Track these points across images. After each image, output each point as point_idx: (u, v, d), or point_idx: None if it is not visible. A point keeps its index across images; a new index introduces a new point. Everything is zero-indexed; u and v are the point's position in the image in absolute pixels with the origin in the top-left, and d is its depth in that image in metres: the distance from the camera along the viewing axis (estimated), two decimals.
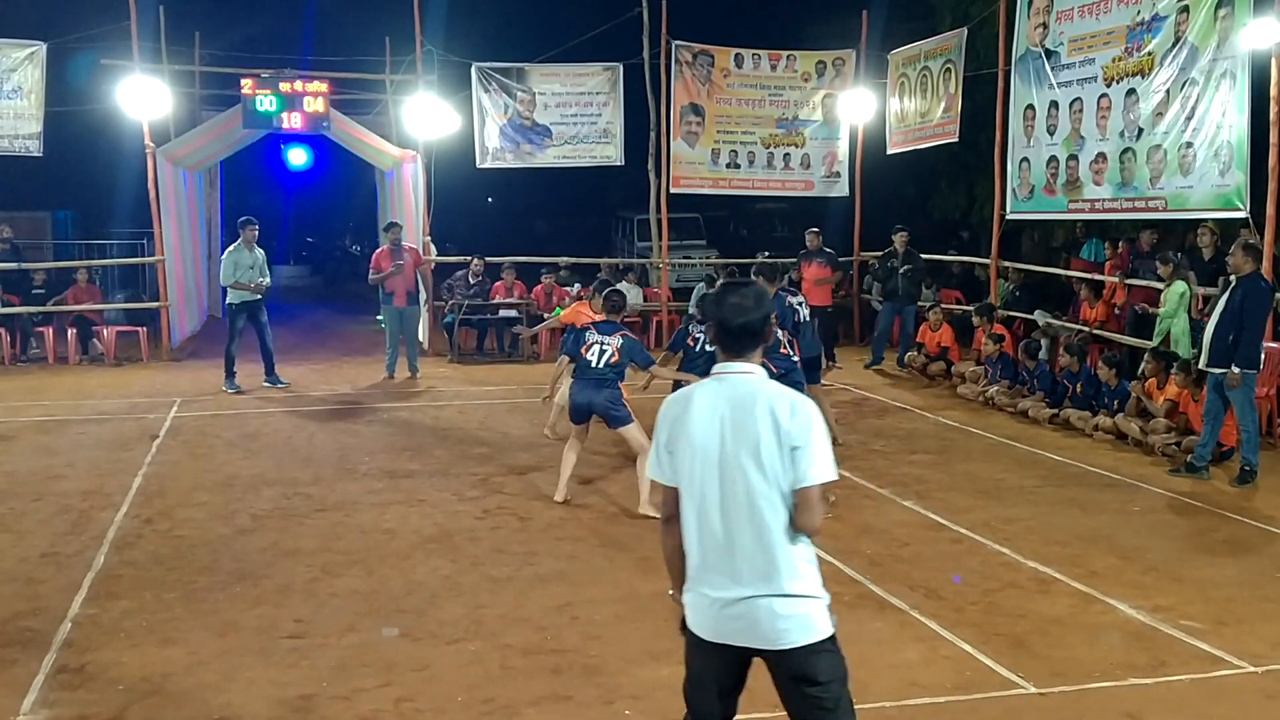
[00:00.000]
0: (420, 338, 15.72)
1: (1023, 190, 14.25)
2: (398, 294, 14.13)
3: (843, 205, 19.34)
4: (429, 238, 16.85)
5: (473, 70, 17.33)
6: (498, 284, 16.55)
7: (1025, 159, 14.11)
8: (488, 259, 16.62)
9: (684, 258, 21.36)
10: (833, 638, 3.34)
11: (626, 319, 17.46)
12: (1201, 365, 9.08)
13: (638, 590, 6.33)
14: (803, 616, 3.30)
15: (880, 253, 16.38)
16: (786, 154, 18.34)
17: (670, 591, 3.60)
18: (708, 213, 24.45)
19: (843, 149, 18.47)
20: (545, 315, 16.54)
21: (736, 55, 17.99)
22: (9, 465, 9.41)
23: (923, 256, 15.82)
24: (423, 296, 16.20)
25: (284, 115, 16.28)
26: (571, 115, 17.69)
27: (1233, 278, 8.87)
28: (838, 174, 18.54)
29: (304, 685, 5.07)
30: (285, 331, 17.24)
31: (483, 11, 25.10)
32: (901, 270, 15.08)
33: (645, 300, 18.21)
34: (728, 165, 18.18)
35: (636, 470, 8.01)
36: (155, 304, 16.55)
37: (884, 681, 5.13)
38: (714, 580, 3.34)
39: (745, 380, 3.34)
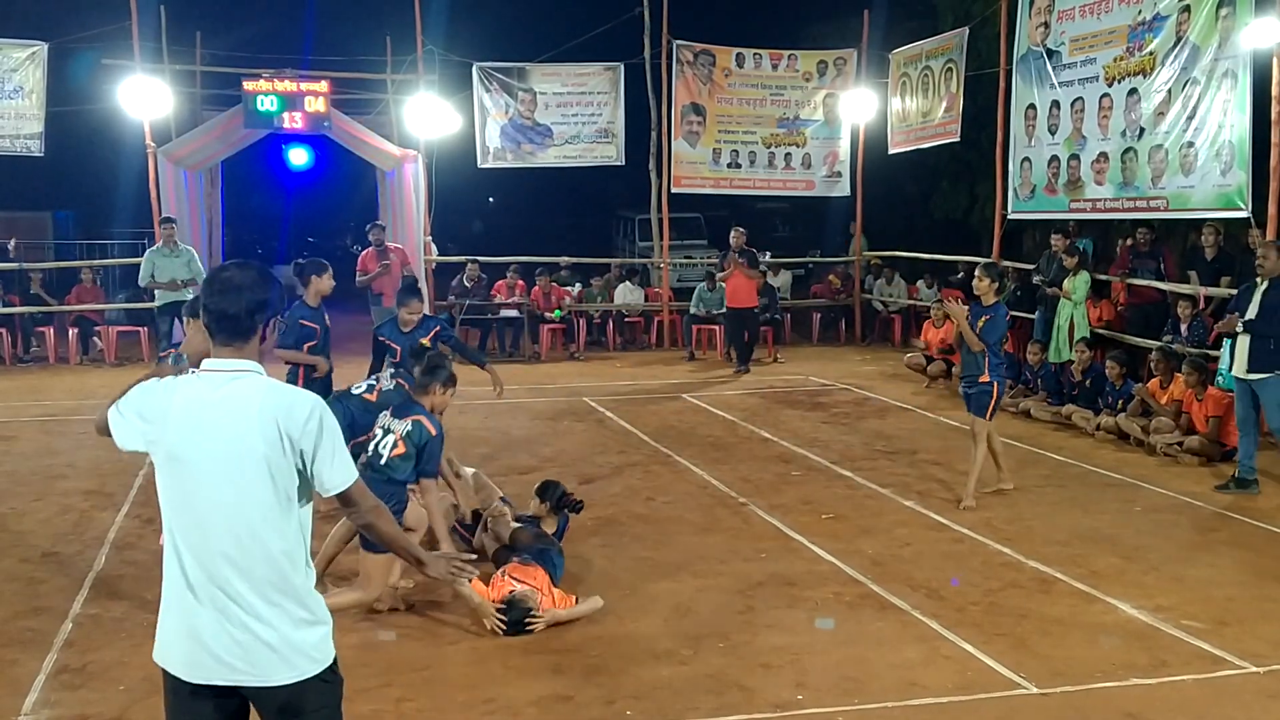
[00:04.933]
0: None
1: (1024, 190, 14.24)
2: (386, 294, 14.13)
3: (844, 205, 19.35)
4: (429, 238, 16.84)
5: (474, 70, 17.33)
6: (499, 283, 16.56)
7: (1027, 158, 14.10)
8: (488, 260, 16.62)
9: (685, 258, 21.35)
10: None
11: (629, 318, 17.60)
12: (1237, 373, 8.58)
13: (639, 590, 6.33)
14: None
15: (888, 254, 16.34)
16: (788, 153, 18.33)
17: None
18: (709, 212, 24.45)
19: (844, 148, 18.46)
20: (546, 315, 16.58)
21: (738, 55, 17.99)
22: (10, 465, 9.41)
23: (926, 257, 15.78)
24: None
25: (285, 115, 16.28)
26: (572, 115, 17.69)
27: (1258, 279, 8.57)
28: (839, 173, 18.53)
29: None
30: None
31: (484, 11, 25.11)
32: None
33: (646, 301, 18.21)
34: (729, 165, 18.18)
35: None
36: (156, 304, 16.53)
37: (885, 681, 5.13)
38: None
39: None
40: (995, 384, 8.09)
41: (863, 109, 18.00)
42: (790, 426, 11.17)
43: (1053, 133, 13.52)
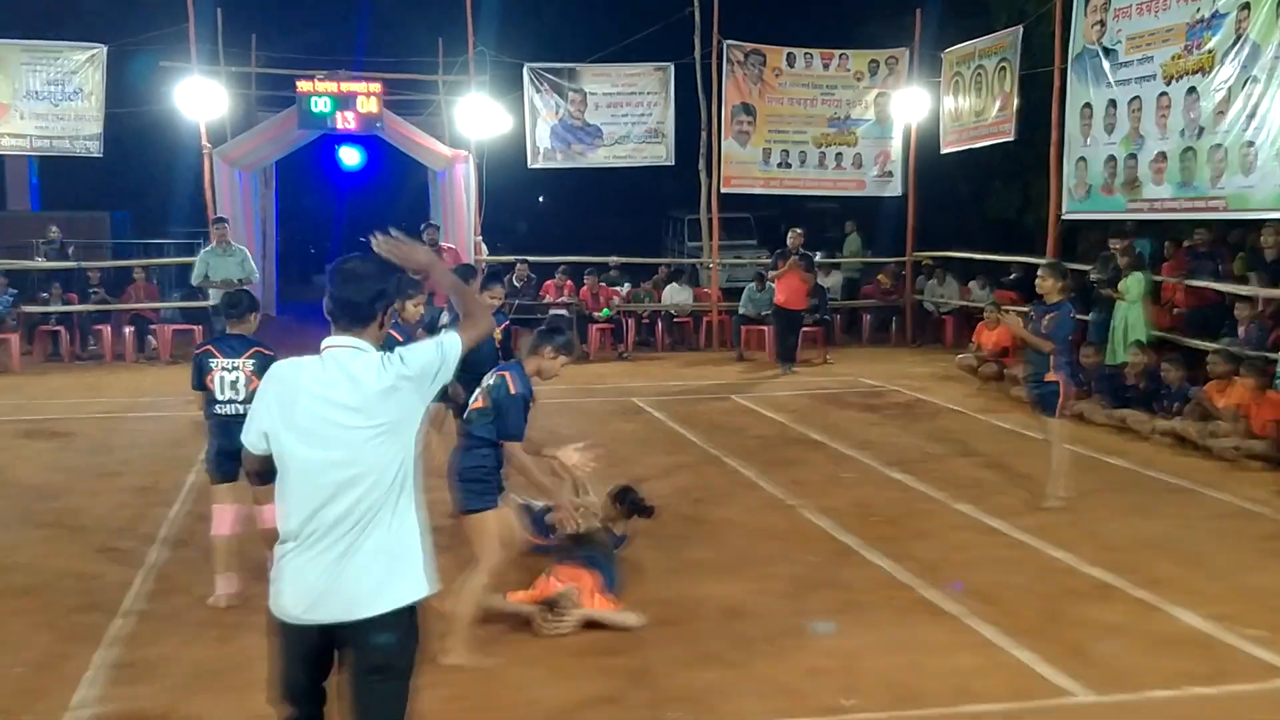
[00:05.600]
0: None
1: (1079, 190, 14.03)
2: (437, 293, 14.18)
3: (895, 205, 19.19)
4: (480, 237, 16.91)
5: (524, 71, 17.39)
6: (548, 283, 16.59)
7: (1082, 158, 13.89)
8: (537, 259, 16.66)
9: (735, 257, 21.28)
10: None
11: (678, 318, 17.57)
12: None
13: (687, 592, 6.29)
14: None
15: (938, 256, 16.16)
16: (838, 153, 18.23)
17: None
18: (758, 212, 24.34)
19: (895, 148, 18.34)
20: (594, 314, 16.59)
21: (789, 54, 17.92)
22: (68, 461, 9.56)
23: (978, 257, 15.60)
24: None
25: (338, 116, 16.46)
26: (622, 115, 17.71)
27: None
28: (890, 173, 18.40)
29: None
30: None
31: (535, 12, 25.19)
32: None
33: (696, 300, 18.17)
34: (779, 165, 18.11)
35: None
36: (210, 303, 16.75)
37: (937, 688, 5.05)
38: None
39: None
40: (1062, 382, 7.98)
41: (915, 108, 17.86)
42: (841, 428, 11.08)
43: (1109, 132, 13.31)
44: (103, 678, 5.13)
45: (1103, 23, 13.32)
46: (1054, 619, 5.90)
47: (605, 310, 16.63)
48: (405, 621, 3.24)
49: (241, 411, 5.73)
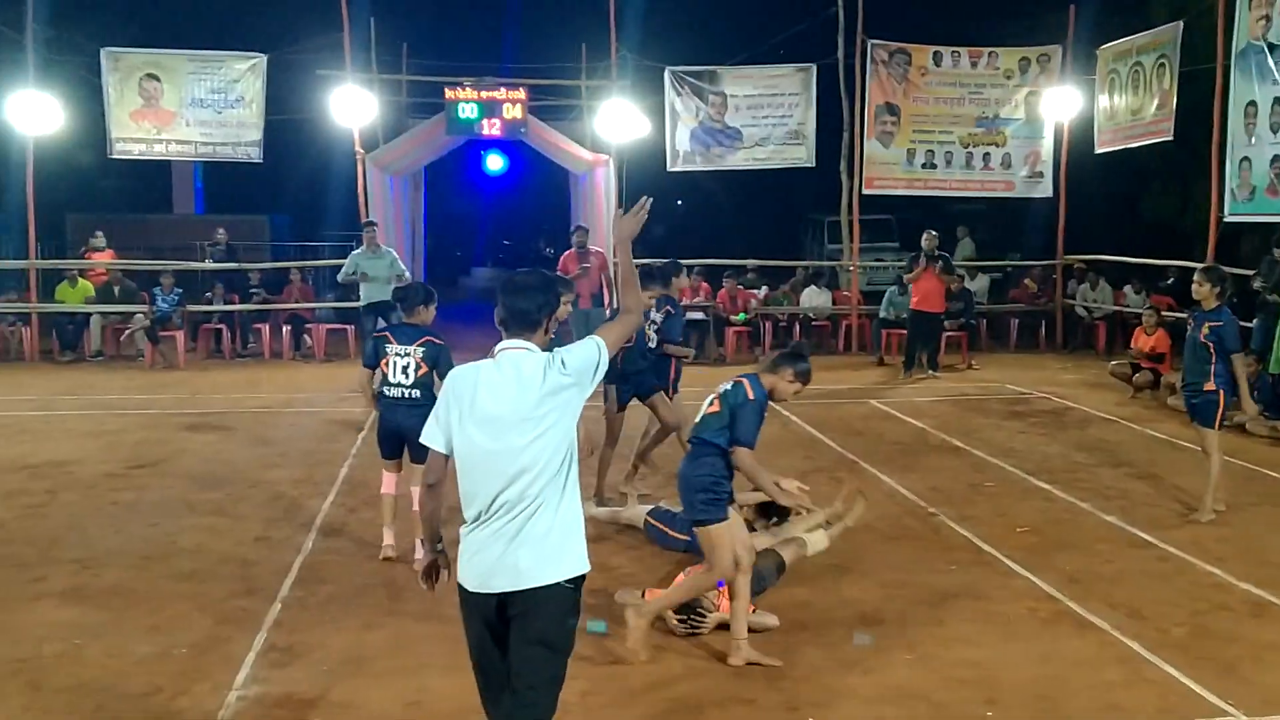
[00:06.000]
0: None
1: (1242, 191, 13.42)
2: (582, 296, 14.39)
3: (1044, 206, 18.68)
4: None
5: (665, 74, 17.49)
6: (684, 286, 16.63)
7: (1246, 158, 13.28)
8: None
9: (875, 260, 21.00)
10: None
11: (816, 322, 17.43)
12: None
13: (823, 597, 6.27)
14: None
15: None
16: (986, 153, 17.85)
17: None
18: (901, 214, 23.96)
19: (1046, 148, 17.86)
20: (731, 317, 16.58)
21: (935, 53, 17.63)
22: (228, 454, 10.02)
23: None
24: (608, 299, 16.42)
25: (484, 122, 16.86)
26: (763, 117, 17.65)
27: None
28: (1040, 174, 17.93)
29: None
30: (481, 332, 17.77)
31: (677, 16, 25.29)
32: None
33: (835, 304, 18.00)
34: (923, 165, 17.82)
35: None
36: (361, 303, 17.33)
37: (1082, 702, 4.92)
38: None
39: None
40: (1221, 391, 7.68)
41: (1067, 107, 17.35)
42: (983, 435, 10.84)
43: (1275, 131, 12.69)
44: (261, 661, 5.36)
45: (1268, 18, 12.72)
46: (1205, 635, 5.68)
47: (742, 314, 16.61)
48: (567, 596, 3.60)
49: (407, 396, 6.63)
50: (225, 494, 8.55)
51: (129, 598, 6.23)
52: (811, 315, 17.59)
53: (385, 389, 6.71)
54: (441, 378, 6.06)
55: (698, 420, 5.55)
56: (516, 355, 3.66)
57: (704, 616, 5.63)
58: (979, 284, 18.51)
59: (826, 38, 17.66)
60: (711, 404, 5.48)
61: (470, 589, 3.62)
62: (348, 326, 16.83)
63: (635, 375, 7.97)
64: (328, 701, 4.93)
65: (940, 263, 14.61)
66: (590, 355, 3.67)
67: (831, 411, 12.00)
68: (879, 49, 17.43)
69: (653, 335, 8.12)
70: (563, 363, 3.61)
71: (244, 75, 16.59)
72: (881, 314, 16.63)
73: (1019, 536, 7.45)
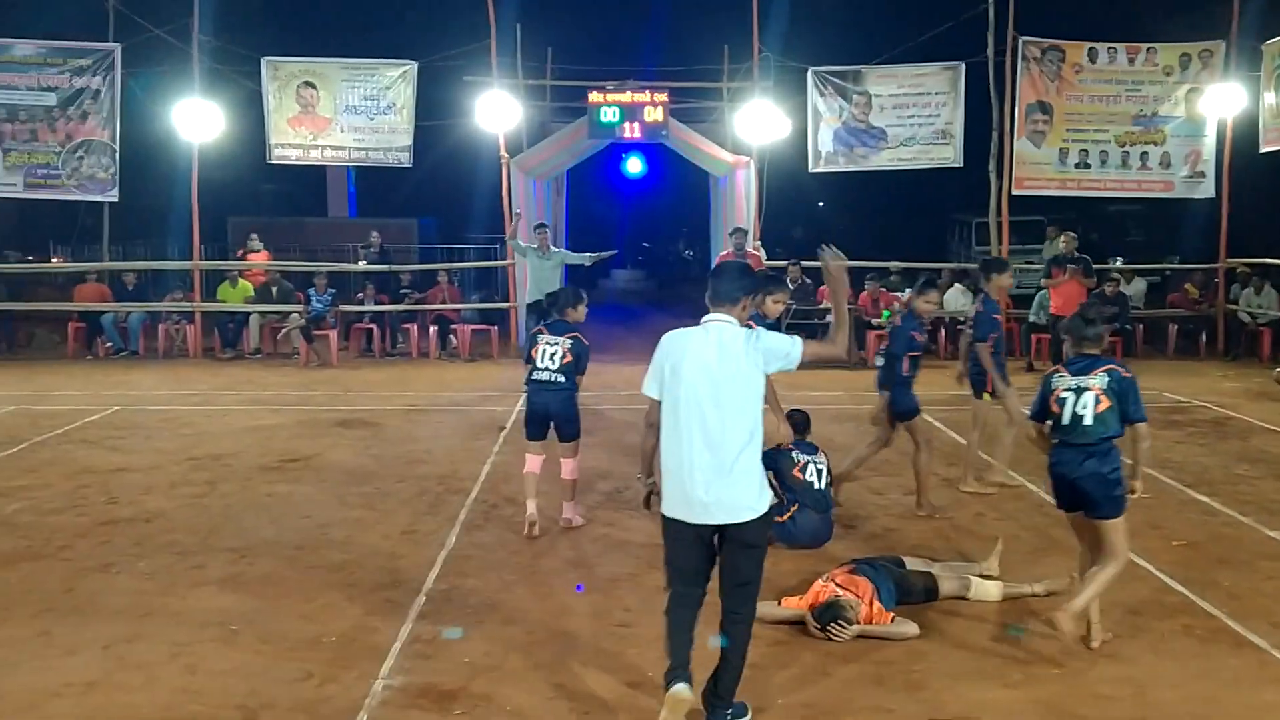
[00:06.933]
0: None
1: None
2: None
3: (1204, 207, 17.89)
4: (759, 242, 17.00)
5: (808, 74, 17.34)
6: (822, 288, 16.47)
7: None
8: (812, 264, 16.54)
9: (1025, 262, 20.40)
10: None
11: (961, 325, 16.98)
12: None
13: (959, 607, 6.11)
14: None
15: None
16: (1144, 152, 17.19)
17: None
18: (1052, 215, 23.23)
19: (1208, 147, 17.10)
20: (872, 320, 16.33)
21: (1090, 49, 17.07)
22: (377, 449, 10.32)
23: None
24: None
25: (625, 125, 16.97)
26: (908, 117, 17.35)
27: None
28: (1202, 174, 17.18)
29: (631, 672, 5.25)
30: (620, 332, 17.91)
31: (820, 15, 25.05)
32: None
33: None
34: (1077, 165, 17.27)
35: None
36: (505, 304, 17.70)
37: None
38: None
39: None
40: None
41: (1230, 104, 16.59)
42: None
43: None
44: (406, 652, 5.50)
45: None
46: None
47: (885, 313, 16.34)
48: (764, 518, 4.56)
49: (548, 379, 7.45)
50: (374, 488, 8.81)
51: (282, 586, 6.48)
52: (958, 318, 17.20)
53: (534, 373, 7.51)
54: (581, 373, 7.51)
55: (1096, 417, 5.54)
56: (719, 325, 4.57)
57: (845, 627, 5.57)
58: (1135, 287, 17.83)
59: (975, 35, 17.25)
60: (1099, 402, 5.54)
61: (688, 521, 4.47)
62: (492, 327, 17.16)
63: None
64: (469, 694, 5.03)
65: (1081, 266, 14.14)
66: (783, 344, 4.55)
67: None
68: (1030, 46, 16.96)
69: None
70: (759, 336, 4.53)
71: (395, 82, 17.07)
72: (1031, 318, 16.15)
73: (1176, 550, 7.15)
